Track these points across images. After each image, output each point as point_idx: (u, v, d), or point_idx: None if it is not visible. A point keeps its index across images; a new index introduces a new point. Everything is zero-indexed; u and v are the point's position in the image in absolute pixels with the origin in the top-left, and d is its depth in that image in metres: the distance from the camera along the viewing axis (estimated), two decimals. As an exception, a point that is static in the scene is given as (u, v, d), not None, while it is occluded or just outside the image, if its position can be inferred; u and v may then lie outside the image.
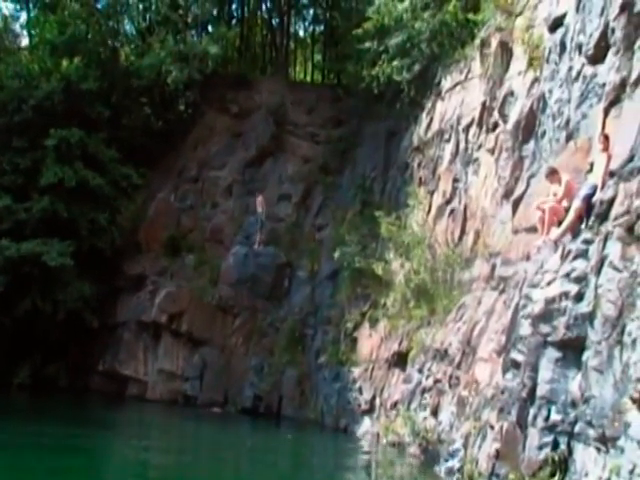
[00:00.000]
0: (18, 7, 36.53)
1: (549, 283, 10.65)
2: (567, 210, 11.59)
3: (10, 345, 27.23)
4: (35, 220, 27.12)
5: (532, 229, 13.17)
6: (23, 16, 36.61)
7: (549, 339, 10.28)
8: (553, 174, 12.40)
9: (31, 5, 35.77)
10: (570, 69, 13.54)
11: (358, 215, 25.57)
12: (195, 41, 32.58)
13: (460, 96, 20.82)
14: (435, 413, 15.88)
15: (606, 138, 11.06)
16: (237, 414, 25.13)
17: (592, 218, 10.51)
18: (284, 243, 28.47)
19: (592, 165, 11.77)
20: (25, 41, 36.41)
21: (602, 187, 10.70)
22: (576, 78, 13.16)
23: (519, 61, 17.23)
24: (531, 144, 15.49)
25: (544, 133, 14.65)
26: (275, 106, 31.03)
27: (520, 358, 10.92)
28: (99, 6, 34.09)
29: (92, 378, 28.88)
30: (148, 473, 13.60)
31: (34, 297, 26.78)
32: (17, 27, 36.62)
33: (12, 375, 27.17)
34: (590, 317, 9.60)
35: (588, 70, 12.67)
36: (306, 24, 40.90)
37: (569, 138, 13.13)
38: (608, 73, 11.65)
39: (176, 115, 34.63)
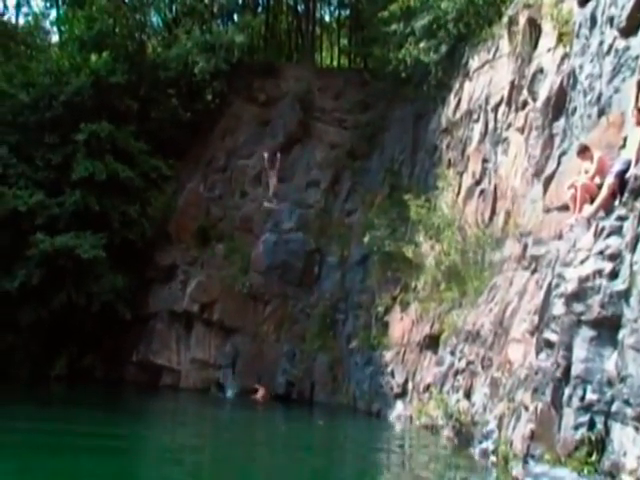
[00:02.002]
0: (48, 4, 37.04)
1: (582, 261, 10.45)
2: (600, 187, 11.34)
3: (47, 338, 27.72)
4: (68, 214, 27.44)
5: (564, 207, 12.94)
6: (53, 13, 37.24)
7: (583, 318, 10.09)
8: (585, 151, 12.15)
9: (60, 2, 36.12)
10: (601, 43, 13.24)
11: (387, 199, 25.49)
12: (221, 31, 32.60)
13: (488, 75, 20.58)
14: (468, 395, 15.77)
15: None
16: (270, 401, 25.19)
17: (626, 194, 10.28)
18: (313, 229, 28.45)
19: (625, 140, 11.51)
20: (55, 38, 36.88)
21: (636, 162, 10.46)
22: (608, 52, 12.86)
23: (548, 37, 16.95)
24: (561, 121, 15.22)
25: (575, 110, 14.37)
26: (302, 93, 30.94)
27: (554, 338, 10.75)
28: (126, 0, 34.19)
29: (127, 369, 29.15)
30: (186, 458, 13.66)
31: (69, 290, 27.15)
32: (47, 24, 37.07)
33: (50, 367, 27.68)
34: (625, 295, 9.40)
35: (620, 43, 12.38)
36: (331, 9, 40.86)
37: (601, 114, 12.86)
38: (641, 45, 11.39)
39: (203, 105, 34.67)
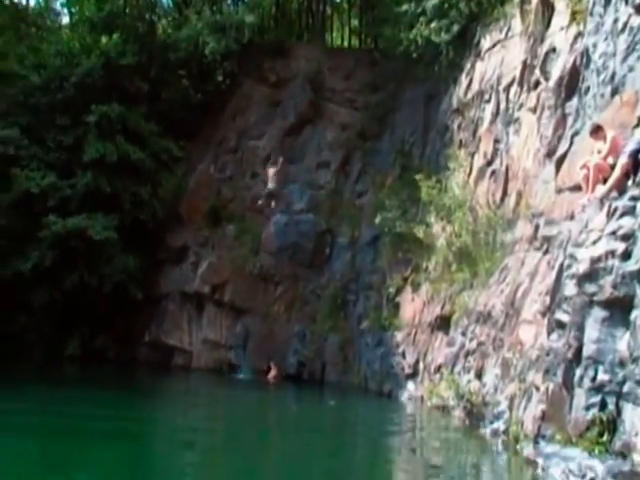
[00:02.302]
0: (58, -15, 36.86)
1: (595, 242, 10.41)
2: (613, 167, 11.28)
3: (60, 318, 27.96)
4: (79, 196, 27.58)
5: (576, 188, 12.88)
6: (63, -5, 36.94)
7: (595, 299, 10.07)
8: (598, 131, 12.07)
9: (71, -17, 36.00)
10: (616, 21, 13.08)
11: (398, 180, 25.40)
12: (231, 11, 32.50)
13: (500, 55, 20.44)
14: (479, 376, 15.78)
15: (653, 90, 10.74)
16: (282, 381, 25.30)
17: (639, 174, 10.23)
18: (324, 210, 28.44)
19: (639, 119, 11.43)
20: (66, 19, 36.91)
21: (650, 141, 10.40)
22: (622, 30, 12.71)
23: (561, 16, 16.80)
24: (574, 101, 15.11)
25: (588, 89, 14.25)
26: (312, 73, 30.79)
27: (565, 319, 10.74)
28: (136, -20, 34.12)
29: (139, 349, 29.34)
30: (198, 438, 13.75)
31: (81, 271, 27.33)
32: (58, 5, 37.12)
33: (63, 347, 27.95)
34: (638, 275, 9.37)
35: (635, 20, 12.23)
36: (342, -12, 40.38)
37: (614, 93, 12.74)
38: (656, 23, 11.27)
39: (214, 86, 34.60)
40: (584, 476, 8.96)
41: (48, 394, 17.97)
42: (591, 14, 14.55)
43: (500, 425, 12.96)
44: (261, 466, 11.23)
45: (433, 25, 23.25)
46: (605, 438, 9.35)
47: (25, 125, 28.46)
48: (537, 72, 17.63)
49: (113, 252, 27.54)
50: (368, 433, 15.49)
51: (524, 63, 18.53)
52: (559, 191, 14.18)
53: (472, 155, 21.13)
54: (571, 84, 15.38)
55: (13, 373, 22.59)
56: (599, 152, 11.90)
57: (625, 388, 9.24)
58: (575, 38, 15.72)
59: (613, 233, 10.08)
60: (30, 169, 27.40)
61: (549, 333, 11.48)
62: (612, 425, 9.35)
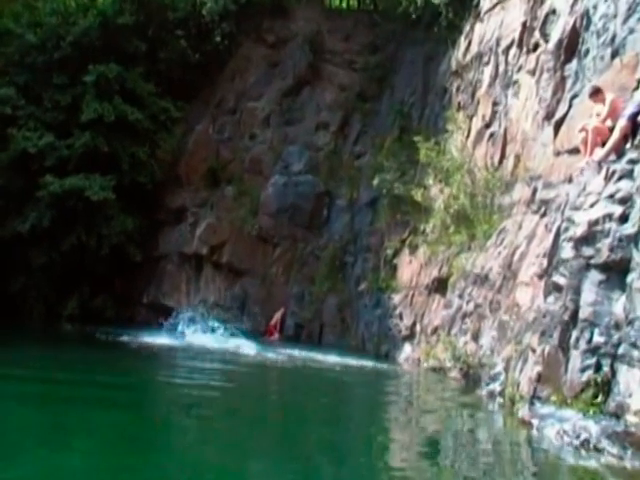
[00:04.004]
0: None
1: (592, 205, 10.46)
2: (611, 130, 11.28)
3: (60, 279, 28.07)
4: (77, 156, 27.43)
5: (574, 151, 12.90)
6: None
7: (592, 262, 10.15)
8: (597, 93, 12.05)
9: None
10: (616, -18, 13.02)
11: (396, 141, 25.32)
12: (229, -30, 32.01)
13: (499, 17, 20.26)
14: (476, 338, 15.93)
15: (654, 53, 10.70)
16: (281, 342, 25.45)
17: (638, 137, 10.25)
18: (323, 172, 28.44)
19: (639, 82, 11.40)
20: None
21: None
22: (623, -9, 12.66)
23: (562, -23, 16.60)
24: (574, 63, 15.02)
25: (587, 51, 14.18)
26: (311, 34, 30.56)
27: (562, 281, 10.82)
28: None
29: (137, 310, 29.54)
30: (193, 392, 13.74)
31: (79, 232, 27.37)
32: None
33: (62, 307, 28.08)
34: (635, 238, 9.45)
35: (636, -18, 12.17)
36: (341, -52, 39.74)
37: (614, 55, 12.69)
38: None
39: (212, 47, 34.16)
40: (578, 437, 9.10)
41: (46, 357, 17.90)
42: (592, -25, 14.43)
43: (496, 387, 13.11)
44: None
45: (432, -15, 23.04)
46: (600, 399, 9.48)
47: (22, 84, 28.25)
48: (537, 34, 17.50)
49: (111, 213, 27.56)
50: (364, 395, 15.62)
51: (524, 25, 18.37)
52: (557, 154, 14.19)
53: (470, 118, 21.07)
54: (571, 46, 15.25)
55: (12, 332, 22.73)
56: (598, 115, 11.89)
57: (620, 350, 9.36)
58: (575, 0, 15.58)
59: (611, 196, 10.13)
60: (27, 129, 27.26)
61: (546, 296, 11.57)
62: (607, 387, 9.48)
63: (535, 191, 14.88)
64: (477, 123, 20.53)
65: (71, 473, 7.28)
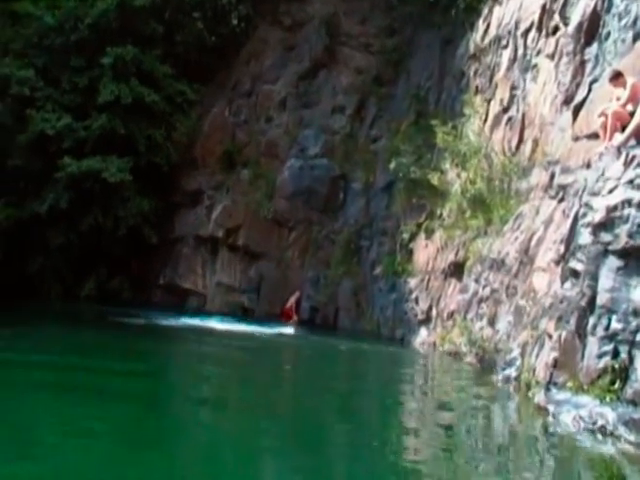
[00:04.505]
0: None
1: (611, 191, 10.39)
2: (632, 115, 11.18)
3: (77, 260, 28.32)
4: (94, 138, 27.63)
5: (593, 136, 12.79)
6: None
7: (610, 247, 10.09)
8: (617, 77, 11.92)
9: None
10: (638, -36, 12.86)
11: (413, 125, 25.21)
12: (246, -48, 31.95)
13: (518, 0, 20.06)
14: (492, 322, 15.90)
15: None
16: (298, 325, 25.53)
17: (658, 123, 10.16)
18: (339, 155, 28.38)
19: (660, 67, 11.30)
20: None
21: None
22: (645, -27, 12.51)
23: (582, -41, 16.39)
24: (594, 47, 14.86)
25: (608, 34, 14.02)
26: (328, 17, 30.39)
27: (579, 267, 10.77)
28: None
29: (154, 291, 29.74)
30: (212, 395, 13.65)
31: (96, 213, 27.58)
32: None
33: (79, 288, 28.34)
34: (654, 225, 9.40)
35: (659, -36, 12.03)
36: None
37: (636, 38, 12.57)
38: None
39: (229, 29, 34.22)
40: (595, 423, 9.11)
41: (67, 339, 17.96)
42: (614, -43, 14.25)
43: (512, 372, 13.09)
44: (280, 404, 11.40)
45: (451, -33, 22.85)
46: (617, 386, 9.45)
47: (40, 66, 28.44)
48: (556, 17, 17.30)
49: (128, 195, 27.75)
50: (380, 377, 15.69)
51: (543, 7, 18.17)
52: (576, 139, 14.08)
53: (488, 101, 20.91)
54: (591, 29, 15.08)
55: (30, 312, 22.98)
56: (618, 99, 11.77)
57: (638, 337, 9.32)
58: (597, -18, 15.39)
59: (630, 182, 10.05)
60: (45, 110, 27.45)
61: (563, 281, 11.52)
62: (624, 373, 9.44)
63: (553, 176, 14.78)
64: (495, 107, 20.38)
65: (86, 465, 7.21)
